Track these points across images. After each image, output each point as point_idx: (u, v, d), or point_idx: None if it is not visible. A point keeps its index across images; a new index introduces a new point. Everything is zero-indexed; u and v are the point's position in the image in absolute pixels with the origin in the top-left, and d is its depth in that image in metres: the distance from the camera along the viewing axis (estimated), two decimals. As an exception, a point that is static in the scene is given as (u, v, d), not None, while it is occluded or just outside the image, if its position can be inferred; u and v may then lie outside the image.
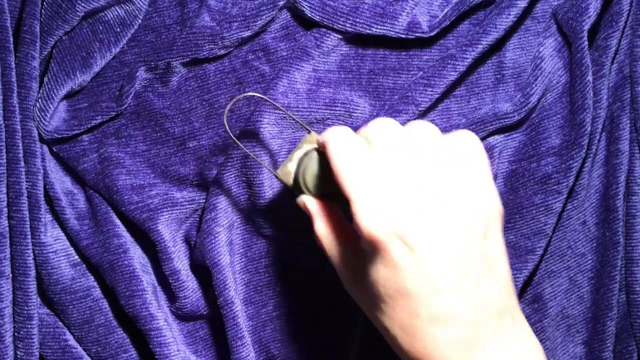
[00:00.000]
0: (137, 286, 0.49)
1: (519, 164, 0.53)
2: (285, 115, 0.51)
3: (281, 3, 0.51)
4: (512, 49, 0.53)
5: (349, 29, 0.51)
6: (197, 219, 0.52)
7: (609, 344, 0.51)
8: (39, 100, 0.51)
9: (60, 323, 0.51)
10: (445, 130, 0.52)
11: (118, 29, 0.53)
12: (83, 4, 0.51)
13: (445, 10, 0.52)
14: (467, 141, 0.39)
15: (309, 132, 0.45)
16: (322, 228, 0.42)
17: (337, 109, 0.52)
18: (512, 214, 0.52)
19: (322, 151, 0.42)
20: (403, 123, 0.51)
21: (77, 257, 0.52)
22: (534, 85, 0.52)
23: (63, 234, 0.52)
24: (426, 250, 0.35)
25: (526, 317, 0.52)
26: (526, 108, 0.52)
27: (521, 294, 0.52)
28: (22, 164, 0.50)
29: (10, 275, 0.49)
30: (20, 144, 0.50)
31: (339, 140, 0.39)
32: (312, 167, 0.42)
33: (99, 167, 0.52)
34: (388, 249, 0.35)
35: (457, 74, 0.51)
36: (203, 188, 0.52)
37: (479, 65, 0.53)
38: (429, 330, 0.35)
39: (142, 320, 0.49)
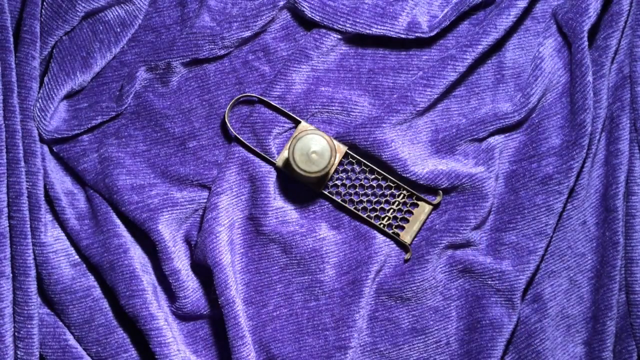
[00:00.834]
0: (137, 286, 0.49)
1: (519, 164, 0.53)
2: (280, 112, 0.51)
3: (281, 3, 0.51)
4: (512, 49, 0.53)
5: (349, 29, 0.51)
6: (198, 219, 0.52)
7: (608, 344, 0.51)
8: (39, 100, 0.51)
9: (61, 323, 0.51)
10: (445, 130, 0.52)
11: (118, 29, 0.53)
12: (83, 4, 0.51)
13: (445, 10, 0.52)
14: None
15: (300, 123, 0.51)
16: None
17: (334, 107, 0.52)
18: (514, 214, 0.52)
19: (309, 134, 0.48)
20: (401, 122, 0.51)
21: (77, 257, 0.52)
22: (534, 86, 0.52)
23: (63, 234, 0.52)
24: None
25: (526, 317, 0.52)
26: (526, 108, 0.52)
27: (522, 294, 0.51)
28: (22, 164, 0.50)
29: (11, 275, 0.49)
30: (20, 144, 0.50)
31: None
32: (300, 147, 0.48)
33: (99, 167, 0.52)
34: None
35: (457, 75, 0.51)
36: (203, 188, 0.52)
37: (479, 66, 0.53)
38: None
39: (142, 320, 0.49)
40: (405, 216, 0.53)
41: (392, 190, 0.53)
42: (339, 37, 0.52)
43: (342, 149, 0.51)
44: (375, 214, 0.52)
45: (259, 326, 0.52)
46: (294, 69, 0.51)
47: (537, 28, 0.54)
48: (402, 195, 0.53)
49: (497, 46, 0.53)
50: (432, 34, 0.52)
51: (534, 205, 0.51)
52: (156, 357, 0.50)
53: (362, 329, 0.51)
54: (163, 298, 0.52)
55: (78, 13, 0.51)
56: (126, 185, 0.51)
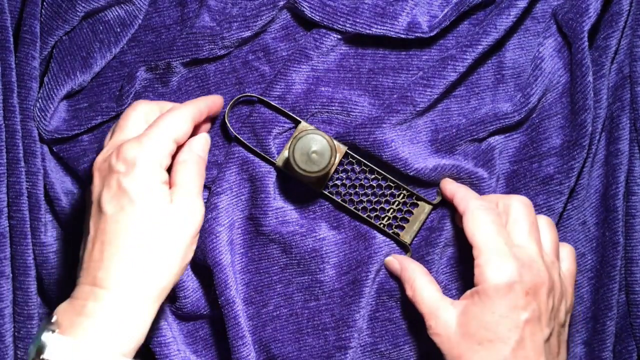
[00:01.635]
0: (137, 286, 0.49)
1: (520, 164, 0.53)
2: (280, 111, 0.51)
3: (281, 3, 0.51)
4: (512, 49, 0.53)
5: (348, 29, 0.51)
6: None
7: (608, 344, 0.51)
8: (39, 100, 0.51)
9: (61, 323, 0.50)
10: (445, 130, 0.53)
11: (118, 29, 0.53)
12: (83, 4, 0.51)
13: (445, 10, 0.52)
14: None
15: (300, 123, 0.52)
16: (424, 289, 0.48)
17: (334, 107, 0.52)
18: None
19: (312, 133, 0.48)
20: (401, 122, 0.51)
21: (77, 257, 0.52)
22: (534, 86, 0.52)
23: (63, 234, 0.52)
24: None
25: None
26: (526, 108, 0.52)
27: None
28: (22, 164, 0.50)
29: (11, 275, 0.49)
30: (20, 144, 0.50)
31: (481, 213, 0.47)
32: (300, 147, 0.48)
33: (99, 167, 0.52)
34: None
35: (457, 75, 0.51)
36: (203, 188, 0.52)
37: (479, 66, 0.53)
38: None
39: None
40: (405, 216, 0.53)
41: (392, 190, 0.52)
42: (339, 37, 0.52)
43: (342, 149, 0.51)
44: (375, 214, 0.53)
45: (259, 326, 0.52)
46: (294, 68, 0.51)
47: (537, 28, 0.54)
48: (402, 195, 0.52)
49: (497, 46, 0.53)
50: (432, 34, 0.52)
51: (536, 206, 0.51)
52: (156, 356, 0.50)
53: (363, 329, 0.51)
54: (163, 298, 0.51)
55: (78, 13, 0.51)
56: None
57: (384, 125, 0.51)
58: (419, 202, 0.53)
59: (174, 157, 0.47)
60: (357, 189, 0.52)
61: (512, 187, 0.53)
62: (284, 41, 0.53)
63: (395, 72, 0.53)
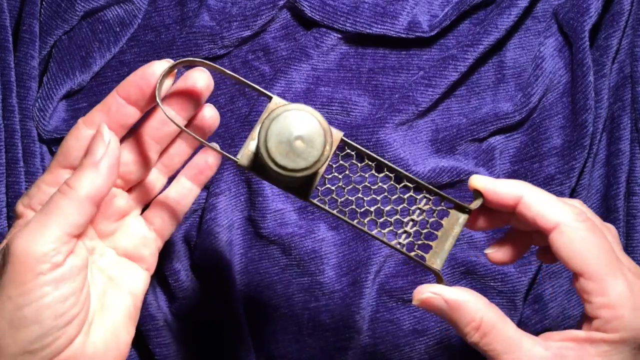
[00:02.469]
0: (136, 287, 0.49)
1: (520, 164, 0.53)
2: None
3: (281, 3, 0.51)
4: (513, 48, 0.53)
5: (349, 28, 0.51)
6: (197, 219, 0.52)
7: (610, 345, 0.51)
8: (39, 100, 0.51)
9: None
10: (445, 129, 0.52)
11: (117, 29, 0.52)
12: (82, 4, 0.51)
13: (446, 9, 0.52)
14: None
15: (271, 99, 0.35)
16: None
17: (334, 107, 0.52)
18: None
19: (297, 111, 0.33)
20: (403, 122, 0.51)
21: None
22: (534, 85, 0.51)
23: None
24: None
25: (527, 318, 0.51)
26: (527, 108, 0.51)
27: (526, 295, 0.51)
28: (22, 164, 0.50)
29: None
30: (19, 144, 0.50)
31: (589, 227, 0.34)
32: (277, 131, 0.32)
33: (99, 167, 0.51)
34: None
35: (458, 74, 0.51)
36: (202, 188, 0.52)
37: (480, 65, 0.53)
38: None
39: (141, 320, 0.49)
40: (431, 229, 0.37)
41: (411, 193, 0.37)
42: (339, 36, 0.52)
43: (337, 134, 0.35)
44: (388, 228, 0.38)
45: (258, 327, 0.52)
46: (294, 67, 0.51)
47: (538, 28, 0.53)
48: (425, 200, 0.37)
49: (498, 46, 0.53)
50: (432, 33, 0.51)
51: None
52: (156, 357, 0.49)
53: (363, 330, 0.51)
54: (162, 299, 0.51)
55: (77, 12, 0.51)
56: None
57: (387, 125, 0.50)
58: (450, 209, 0.37)
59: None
60: (359, 194, 0.38)
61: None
62: (284, 41, 0.53)
63: (396, 72, 0.52)
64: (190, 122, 0.40)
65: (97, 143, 0.34)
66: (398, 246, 0.37)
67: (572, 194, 0.52)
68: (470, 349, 0.35)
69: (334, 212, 0.36)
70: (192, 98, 0.38)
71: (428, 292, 0.35)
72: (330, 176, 0.38)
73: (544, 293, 0.52)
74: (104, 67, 0.53)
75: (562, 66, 0.52)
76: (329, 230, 0.52)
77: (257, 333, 0.52)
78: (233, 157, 0.35)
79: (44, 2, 0.51)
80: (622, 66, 0.53)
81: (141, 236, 0.40)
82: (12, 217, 0.49)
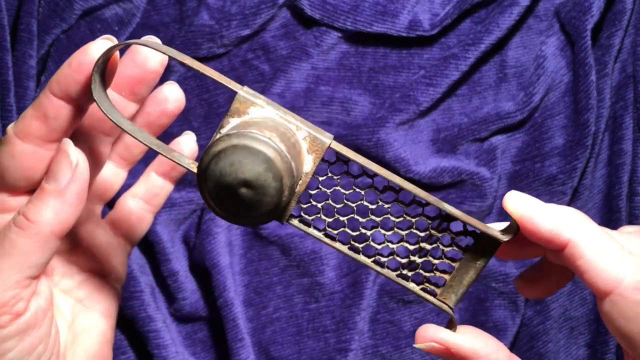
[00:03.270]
0: (135, 287, 0.49)
1: (522, 164, 0.52)
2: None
3: (281, 1, 0.51)
4: (515, 47, 0.53)
5: (349, 27, 0.51)
6: (196, 220, 0.52)
7: (612, 346, 0.51)
8: (36, 99, 0.51)
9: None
10: (446, 129, 0.52)
11: (116, 28, 0.52)
12: (81, 2, 0.51)
13: (447, 8, 0.52)
14: None
15: (239, 91, 0.27)
16: None
17: (334, 107, 0.51)
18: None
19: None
20: (404, 121, 0.51)
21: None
22: (536, 84, 0.51)
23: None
24: None
25: (529, 319, 0.51)
26: (529, 107, 0.51)
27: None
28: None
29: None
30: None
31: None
32: (218, 174, 0.25)
33: (97, 167, 0.51)
34: None
35: (460, 74, 0.50)
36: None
37: (481, 64, 0.53)
38: None
39: (140, 321, 0.48)
40: (447, 258, 0.30)
41: (421, 217, 0.29)
42: (340, 35, 0.51)
43: (321, 143, 0.27)
44: (389, 256, 0.30)
45: (258, 328, 0.51)
46: (294, 66, 0.51)
47: (540, 27, 0.53)
48: (439, 223, 0.29)
49: (500, 45, 0.52)
50: (433, 32, 0.51)
51: (538, 206, 0.50)
52: (154, 358, 0.49)
53: (363, 331, 0.51)
54: (161, 299, 0.51)
55: (75, 11, 0.51)
56: (124, 185, 0.51)
57: (388, 125, 0.50)
58: (474, 237, 0.29)
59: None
60: (353, 214, 0.29)
61: (514, 187, 0.52)
62: (284, 40, 0.52)
63: (396, 71, 0.52)
64: (145, 107, 0.33)
65: (62, 165, 0.27)
66: (398, 278, 0.29)
67: (574, 194, 0.52)
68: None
69: (320, 235, 0.29)
70: (143, 80, 0.31)
71: (431, 341, 0.29)
72: (315, 192, 0.29)
73: (546, 294, 0.52)
74: (103, 66, 0.53)
75: (564, 65, 0.52)
76: None
77: (256, 334, 0.51)
78: (189, 167, 0.28)
79: (42, 1, 0.51)
80: (624, 65, 0.52)
81: (106, 245, 0.34)
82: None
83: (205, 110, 0.52)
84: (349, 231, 0.29)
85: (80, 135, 0.31)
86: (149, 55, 0.30)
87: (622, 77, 0.52)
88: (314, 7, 0.50)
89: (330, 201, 0.29)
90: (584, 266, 0.27)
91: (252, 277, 0.52)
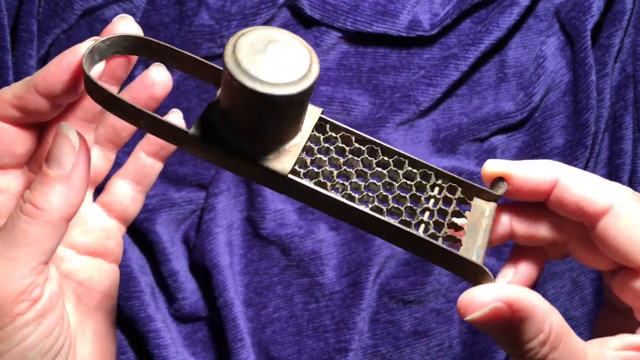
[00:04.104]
0: (135, 287, 0.49)
1: (521, 164, 0.52)
2: None
3: (281, 1, 0.51)
4: (515, 47, 0.53)
5: (349, 27, 0.51)
6: (196, 220, 0.52)
7: (612, 346, 0.51)
8: (36, 99, 0.51)
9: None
10: (446, 129, 0.52)
11: (116, 28, 0.52)
12: (81, 2, 0.51)
13: (447, 8, 0.52)
14: None
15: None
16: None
17: (334, 107, 0.51)
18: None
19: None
20: (404, 121, 0.51)
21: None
22: (536, 84, 0.51)
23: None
24: None
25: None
26: (529, 107, 0.51)
27: None
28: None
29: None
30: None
31: None
32: (248, 42, 0.24)
33: (97, 167, 0.51)
34: None
35: (460, 74, 0.50)
36: (201, 188, 0.52)
37: (481, 64, 0.53)
38: None
39: (140, 321, 0.48)
40: (453, 220, 0.29)
41: (419, 180, 0.29)
42: (340, 35, 0.52)
43: (315, 111, 0.29)
44: (400, 218, 0.28)
45: (258, 328, 0.51)
46: (294, 67, 0.51)
47: (540, 27, 0.53)
48: (437, 188, 0.29)
49: (500, 45, 0.53)
50: (433, 32, 0.51)
51: (538, 206, 0.50)
52: (154, 359, 0.49)
53: (363, 331, 0.51)
54: (161, 299, 0.51)
55: (75, 11, 0.51)
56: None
57: (388, 125, 0.50)
58: (470, 198, 0.29)
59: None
60: (354, 179, 0.29)
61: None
62: None
63: (396, 71, 0.52)
64: (133, 92, 0.33)
65: (64, 150, 0.28)
66: (423, 234, 0.27)
67: (574, 194, 0.52)
68: (473, 349, 0.35)
69: (338, 197, 0.27)
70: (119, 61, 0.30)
71: (495, 301, 0.24)
72: (313, 158, 0.28)
73: (546, 294, 0.52)
74: (103, 66, 0.53)
75: (564, 65, 0.52)
76: (329, 231, 0.52)
77: (256, 334, 0.51)
78: (183, 128, 0.27)
79: (42, 1, 0.51)
80: (624, 65, 0.52)
81: (100, 227, 0.35)
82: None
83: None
84: (352, 193, 0.28)
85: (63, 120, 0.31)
86: (126, 29, 0.30)
87: (622, 77, 0.52)
88: (314, 7, 0.50)
89: (328, 168, 0.29)
90: (577, 196, 0.27)
91: (252, 277, 0.52)
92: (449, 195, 0.29)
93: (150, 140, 0.37)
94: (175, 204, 0.51)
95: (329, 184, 0.28)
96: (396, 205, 0.28)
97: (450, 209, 0.29)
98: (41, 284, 0.28)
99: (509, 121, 0.51)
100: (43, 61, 0.52)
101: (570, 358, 0.26)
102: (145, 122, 0.27)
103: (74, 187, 0.28)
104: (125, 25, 0.29)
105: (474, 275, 0.27)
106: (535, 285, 0.51)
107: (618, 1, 0.52)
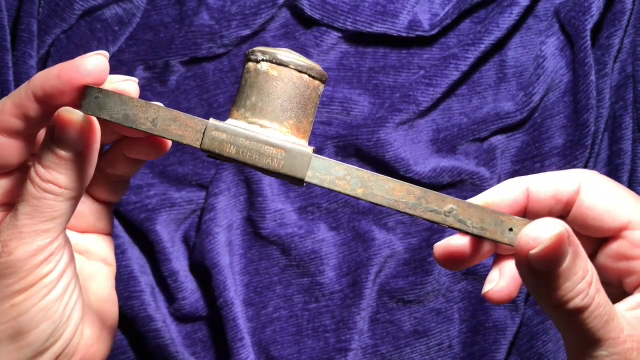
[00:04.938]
0: (135, 287, 0.49)
1: (522, 164, 0.52)
2: None
3: (281, 1, 0.51)
4: (515, 47, 0.53)
5: (349, 27, 0.51)
6: (196, 220, 0.52)
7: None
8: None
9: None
10: (446, 129, 0.52)
11: (116, 28, 0.52)
12: (81, 3, 0.51)
13: (447, 8, 0.52)
14: None
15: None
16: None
17: (334, 107, 0.51)
18: (516, 215, 0.51)
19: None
20: (404, 122, 0.51)
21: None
22: (536, 85, 0.51)
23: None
24: None
25: (528, 319, 0.51)
26: (528, 107, 0.51)
27: (528, 296, 0.51)
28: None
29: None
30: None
31: None
32: None
33: (97, 167, 0.51)
34: None
35: (460, 74, 0.50)
36: (202, 188, 0.52)
37: (481, 65, 0.52)
38: None
39: (140, 321, 0.48)
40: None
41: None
42: (340, 35, 0.51)
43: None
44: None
45: (258, 328, 0.51)
46: (294, 67, 0.51)
47: (540, 27, 0.53)
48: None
49: (500, 45, 0.52)
50: (433, 32, 0.51)
51: (538, 206, 0.50)
52: (154, 359, 0.49)
53: (364, 331, 0.51)
54: (161, 299, 0.51)
55: (75, 12, 0.51)
56: None
57: (388, 125, 0.50)
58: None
59: None
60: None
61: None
62: (284, 40, 0.52)
63: (396, 71, 0.52)
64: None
65: (73, 130, 0.29)
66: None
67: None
68: (473, 349, 0.34)
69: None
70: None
71: (559, 226, 0.24)
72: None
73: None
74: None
75: (563, 65, 0.52)
76: (329, 231, 0.52)
77: (256, 334, 0.51)
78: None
79: (42, 1, 0.51)
80: (624, 65, 0.52)
81: (90, 211, 0.36)
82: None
83: (206, 110, 0.52)
84: None
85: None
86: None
87: (621, 77, 0.52)
88: (314, 7, 0.50)
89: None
90: (600, 211, 0.28)
91: (252, 277, 0.51)
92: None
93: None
94: (175, 204, 0.51)
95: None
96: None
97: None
98: (62, 248, 0.31)
99: (509, 121, 0.51)
100: (43, 61, 0.52)
101: (608, 304, 0.26)
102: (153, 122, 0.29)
103: (89, 162, 0.30)
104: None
105: (510, 231, 0.27)
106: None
107: (618, 1, 0.52)
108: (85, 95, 0.28)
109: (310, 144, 0.30)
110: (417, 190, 0.27)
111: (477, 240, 0.30)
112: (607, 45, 0.51)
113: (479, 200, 0.30)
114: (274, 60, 0.29)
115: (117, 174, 0.35)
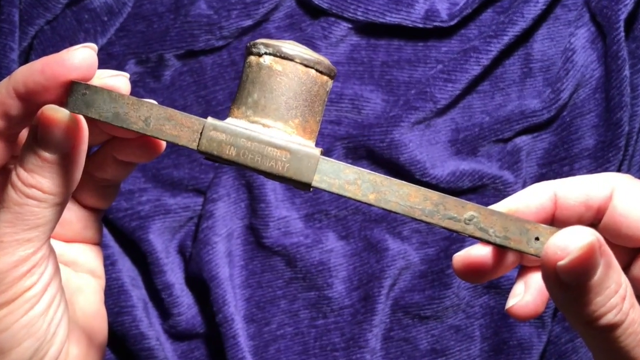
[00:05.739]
0: (125, 302, 0.48)
1: (549, 167, 0.51)
2: None
3: (285, -11, 0.51)
4: (541, 39, 0.52)
5: (360, 17, 0.50)
6: (193, 228, 0.51)
7: None
8: (18, 96, 0.49)
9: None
10: (466, 129, 0.51)
11: (105, 18, 0.52)
12: (66, -10, 0.51)
13: (467, -4, 0.52)
14: None
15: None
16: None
17: (344, 104, 0.51)
18: (544, 224, 0.50)
19: None
20: (420, 120, 0.50)
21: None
22: (564, 80, 0.50)
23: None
24: None
25: (556, 336, 0.50)
26: (556, 105, 0.50)
27: (555, 311, 0.50)
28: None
29: None
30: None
31: None
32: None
33: (84, 170, 0.50)
34: None
35: (481, 68, 0.50)
36: (199, 193, 0.51)
37: (504, 58, 0.52)
38: None
39: (131, 339, 0.48)
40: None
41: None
42: (350, 26, 0.51)
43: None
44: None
45: (260, 346, 0.50)
46: (300, 61, 0.50)
47: (569, 17, 0.52)
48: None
49: (524, 37, 0.52)
50: (452, 23, 0.51)
51: (566, 213, 0.49)
52: (148, 378, 0.49)
53: (376, 350, 0.50)
54: (154, 315, 0.50)
55: (61, 0, 0.50)
56: None
57: (402, 124, 0.49)
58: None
59: None
60: None
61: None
62: (289, 31, 0.52)
63: (412, 66, 0.51)
64: None
65: (58, 131, 0.28)
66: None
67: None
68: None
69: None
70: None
71: (583, 239, 0.24)
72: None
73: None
74: (91, 60, 0.51)
75: (594, 59, 0.51)
76: (338, 240, 0.51)
77: (258, 353, 0.50)
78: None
79: (24, -11, 0.52)
80: (659, 59, 0.52)
81: (77, 219, 0.36)
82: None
83: (203, 108, 0.51)
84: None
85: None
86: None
87: (656, 72, 0.52)
88: (321, -5, 0.51)
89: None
90: (624, 216, 0.28)
91: (254, 291, 0.51)
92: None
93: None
94: (170, 210, 0.51)
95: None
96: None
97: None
98: (46, 258, 0.30)
99: (534, 120, 0.50)
100: (26, 54, 0.51)
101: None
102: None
103: (76, 164, 0.29)
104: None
105: (535, 240, 0.27)
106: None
107: (653, -11, 0.52)
108: (72, 91, 0.28)
109: (317, 145, 0.29)
110: (435, 195, 0.27)
111: (500, 250, 0.30)
112: (642, 37, 0.52)
113: (502, 206, 0.30)
114: (278, 54, 0.28)
115: (106, 178, 0.34)
